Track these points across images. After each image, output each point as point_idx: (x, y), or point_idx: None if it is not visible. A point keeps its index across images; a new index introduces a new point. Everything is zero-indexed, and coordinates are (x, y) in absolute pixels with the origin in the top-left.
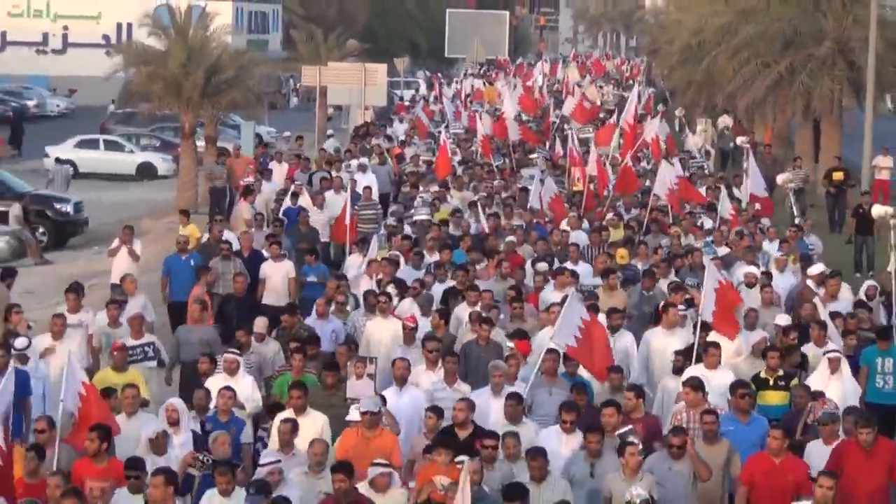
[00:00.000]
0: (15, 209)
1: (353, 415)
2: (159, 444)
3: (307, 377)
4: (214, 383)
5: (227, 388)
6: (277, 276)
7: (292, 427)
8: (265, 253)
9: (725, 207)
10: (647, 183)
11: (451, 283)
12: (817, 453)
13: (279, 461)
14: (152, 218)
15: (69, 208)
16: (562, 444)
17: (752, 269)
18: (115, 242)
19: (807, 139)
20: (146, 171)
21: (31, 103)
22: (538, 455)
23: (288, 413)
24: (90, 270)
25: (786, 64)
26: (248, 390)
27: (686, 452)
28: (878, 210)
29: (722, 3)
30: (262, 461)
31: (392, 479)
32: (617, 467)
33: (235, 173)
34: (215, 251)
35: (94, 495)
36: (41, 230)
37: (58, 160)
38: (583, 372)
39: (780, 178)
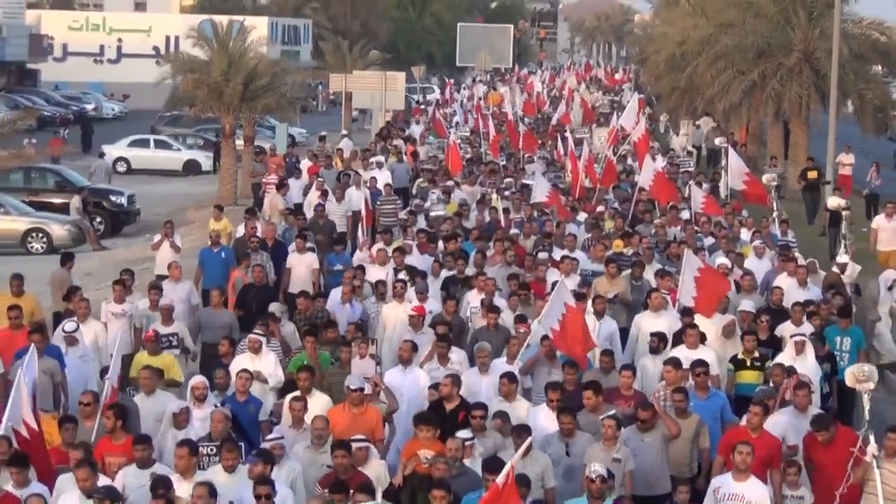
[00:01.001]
0: (75, 201)
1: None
2: (181, 419)
3: (322, 355)
4: (239, 362)
5: (245, 370)
6: (301, 266)
7: (303, 405)
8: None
9: (697, 200)
10: (636, 178)
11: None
12: (789, 423)
13: (282, 437)
14: (196, 209)
15: (123, 200)
16: (551, 421)
17: (725, 260)
18: (158, 237)
19: (777, 138)
20: (191, 167)
21: (89, 107)
22: (523, 432)
23: (297, 393)
24: (142, 256)
25: (759, 72)
26: (270, 367)
27: (656, 425)
28: (833, 202)
29: (703, 18)
30: (267, 438)
31: (370, 452)
32: (586, 444)
33: (270, 170)
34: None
35: (111, 470)
36: (98, 220)
37: (100, 155)
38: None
39: (764, 178)
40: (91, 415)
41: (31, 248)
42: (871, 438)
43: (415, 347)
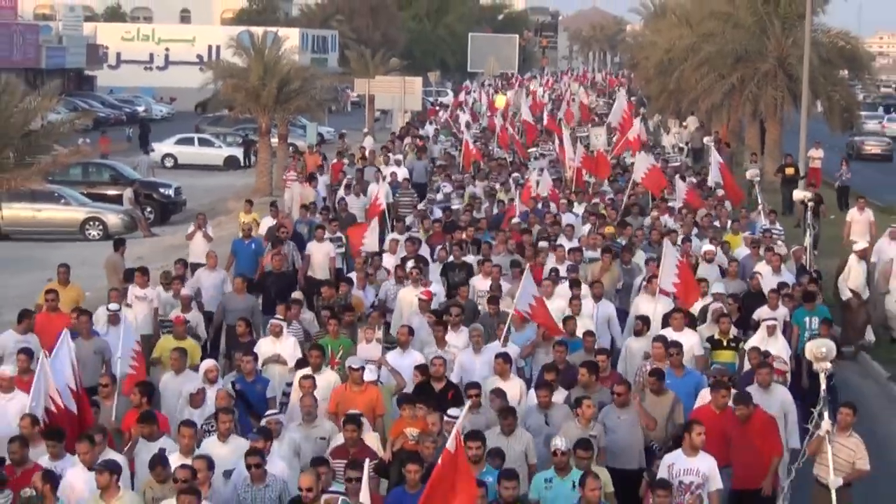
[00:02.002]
0: (128, 192)
1: (368, 375)
2: (197, 398)
3: (343, 339)
4: (262, 345)
5: (249, 352)
6: (320, 254)
7: (312, 382)
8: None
9: (680, 193)
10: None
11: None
12: (758, 399)
13: (279, 413)
14: (235, 199)
15: (171, 192)
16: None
17: (710, 247)
18: (191, 227)
19: (754, 135)
20: (231, 163)
21: (140, 109)
22: (509, 414)
23: (307, 370)
24: (187, 243)
25: (738, 76)
26: (290, 350)
27: (631, 402)
28: (798, 194)
29: (687, 28)
30: (266, 415)
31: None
32: (566, 416)
33: (307, 167)
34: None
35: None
36: (149, 209)
37: (144, 151)
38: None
39: (748, 174)
40: (109, 395)
41: (89, 234)
42: (826, 415)
43: (411, 331)
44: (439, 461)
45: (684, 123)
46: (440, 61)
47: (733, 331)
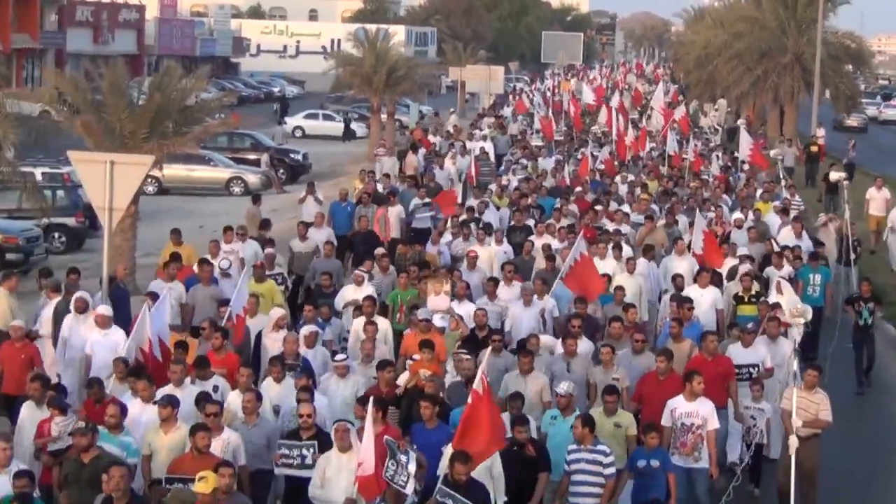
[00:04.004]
0: (265, 157)
1: (439, 322)
2: (280, 321)
3: (411, 290)
4: (345, 291)
5: (312, 302)
6: (392, 216)
7: (375, 328)
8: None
9: (714, 168)
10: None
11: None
12: (736, 352)
13: (346, 358)
14: (350, 164)
15: (300, 157)
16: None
17: (739, 215)
18: (303, 193)
19: (775, 118)
20: (349, 134)
21: (275, 90)
22: (527, 354)
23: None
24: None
25: (762, 69)
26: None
27: (645, 350)
28: (833, 175)
29: (721, 29)
30: (334, 360)
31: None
32: (585, 364)
33: (381, 144)
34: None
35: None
36: (281, 171)
37: (279, 123)
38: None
39: (773, 152)
40: (208, 337)
41: (232, 191)
42: (796, 367)
43: (468, 286)
44: (469, 400)
45: (715, 106)
46: (519, 54)
47: (756, 287)
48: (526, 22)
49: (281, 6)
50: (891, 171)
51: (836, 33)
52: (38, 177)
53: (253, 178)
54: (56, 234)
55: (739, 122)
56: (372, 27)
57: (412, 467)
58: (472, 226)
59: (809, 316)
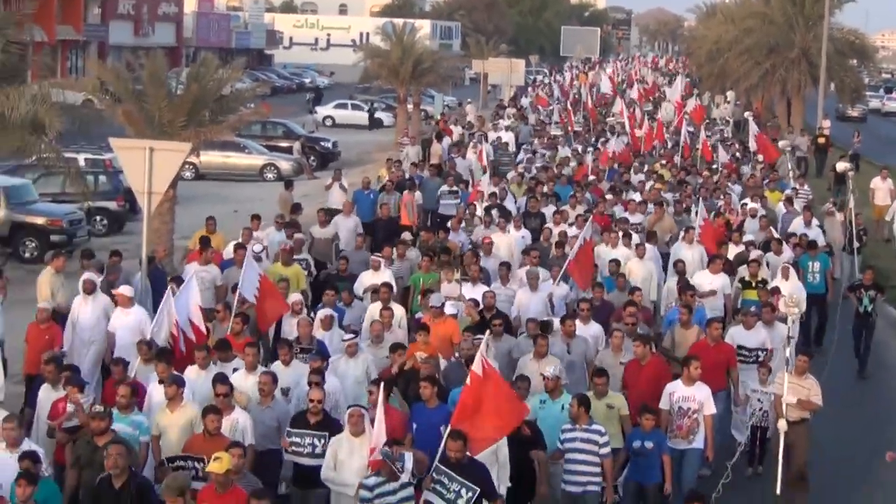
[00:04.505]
0: (296, 145)
1: (450, 309)
2: (297, 306)
3: (433, 274)
4: (364, 276)
5: (333, 287)
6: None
7: (391, 313)
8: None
9: (723, 158)
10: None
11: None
12: (738, 334)
13: (356, 337)
14: (377, 152)
15: (329, 145)
16: (580, 329)
17: (753, 204)
18: (329, 180)
19: (783, 110)
20: (376, 123)
21: (307, 81)
22: (544, 339)
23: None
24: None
25: (770, 63)
26: (387, 280)
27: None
28: (840, 166)
29: (731, 25)
30: (344, 338)
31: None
32: (584, 347)
33: (403, 133)
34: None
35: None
36: (312, 158)
37: (310, 111)
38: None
39: (781, 143)
40: (224, 319)
41: (266, 177)
42: (790, 352)
43: (482, 269)
44: (467, 381)
45: (727, 98)
46: (539, 47)
47: (763, 273)
48: (545, 17)
49: (312, 1)
50: (892, 160)
51: (841, 29)
52: (81, 163)
53: (285, 165)
54: (98, 217)
55: (747, 114)
56: (399, 21)
57: (409, 465)
58: (494, 212)
59: (804, 307)
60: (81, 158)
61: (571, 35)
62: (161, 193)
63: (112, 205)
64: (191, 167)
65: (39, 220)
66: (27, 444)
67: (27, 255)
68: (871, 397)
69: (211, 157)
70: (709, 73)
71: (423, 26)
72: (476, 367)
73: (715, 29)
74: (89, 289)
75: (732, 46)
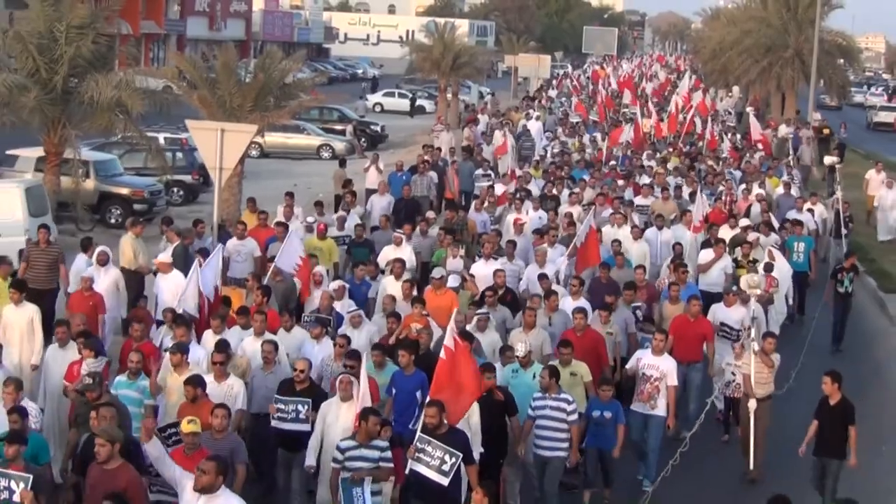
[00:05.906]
0: (349, 128)
1: (451, 283)
2: (317, 280)
3: (443, 251)
4: (386, 251)
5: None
6: (426, 185)
7: (410, 285)
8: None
9: (725, 147)
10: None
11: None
12: (721, 311)
13: (358, 309)
14: (419, 135)
15: (378, 128)
16: (570, 304)
17: (761, 190)
18: (367, 162)
19: (777, 104)
20: (419, 110)
21: (359, 72)
22: (531, 310)
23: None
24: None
25: (767, 61)
26: (407, 255)
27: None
28: (827, 160)
29: (734, 27)
30: (348, 311)
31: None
32: (565, 321)
33: (438, 120)
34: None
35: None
36: (363, 139)
37: (361, 98)
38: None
39: (780, 131)
40: (252, 288)
41: (322, 156)
42: (754, 335)
43: (498, 245)
44: (441, 354)
45: (730, 92)
46: (563, 45)
47: (756, 253)
48: (569, 18)
49: (365, 1)
50: (872, 146)
51: (830, 32)
52: (161, 141)
53: (339, 145)
54: (175, 189)
55: (749, 109)
56: (441, 20)
57: (367, 495)
58: (522, 195)
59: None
60: (161, 137)
61: (592, 35)
62: (230, 169)
63: (188, 178)
64: (256, 146)
65: (124, 191)
66: (26, 403)
67: (112, 221)
68: (851, 360)
69: (274, 138)
70: (712, 69)
71: (462, 25)
72: (448, 341)
73: (718, 30)
74: (103, 260)
75: (733, 46)
